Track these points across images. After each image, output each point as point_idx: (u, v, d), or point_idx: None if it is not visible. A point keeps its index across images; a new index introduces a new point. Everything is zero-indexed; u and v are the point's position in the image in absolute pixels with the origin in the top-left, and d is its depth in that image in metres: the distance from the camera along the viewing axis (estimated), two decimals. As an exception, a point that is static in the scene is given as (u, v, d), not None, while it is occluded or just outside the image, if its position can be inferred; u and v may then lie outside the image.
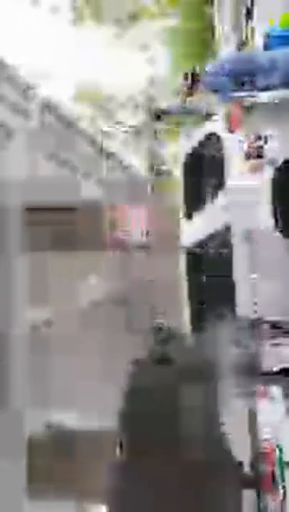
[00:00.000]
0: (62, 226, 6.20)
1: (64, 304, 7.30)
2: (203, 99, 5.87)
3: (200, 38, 17.12)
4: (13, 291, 6.09)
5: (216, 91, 4.15)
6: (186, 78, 4.14)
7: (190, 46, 18.46)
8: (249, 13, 8.20)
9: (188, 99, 6.07)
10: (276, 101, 4.07)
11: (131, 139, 26.32)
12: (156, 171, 6.68)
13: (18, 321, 6.10)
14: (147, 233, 5.90)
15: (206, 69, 4.09)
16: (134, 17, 23.11)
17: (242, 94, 4.06)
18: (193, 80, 4.11)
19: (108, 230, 6.05)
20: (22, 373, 6.03)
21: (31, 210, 6.28)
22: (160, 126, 6.89)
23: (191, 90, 4.18)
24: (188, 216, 4.69)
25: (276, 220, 4.02)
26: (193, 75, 4.10)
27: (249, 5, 8.22)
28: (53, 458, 5.98)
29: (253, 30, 7.56)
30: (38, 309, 6.36)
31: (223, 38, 9.16)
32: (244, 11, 8.31)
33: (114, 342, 9.46)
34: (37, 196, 6.45)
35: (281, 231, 4.02)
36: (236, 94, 3.97)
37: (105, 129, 26.10)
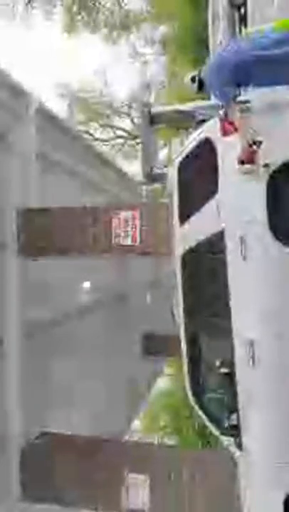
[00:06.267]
0: (58, 229, 6.18)
1: (62, 305, 7.28)
2: (199, 103, 5.89)
3: (195, 42, 17.17)
4: (10, 293, 6.07)
5: (215, 94, 4.16)
6: (193, 81, 4.13)
7: (185, 50, 18.51)
8: (243, 19, 8.24)
9: (184, 105, 6.07)
10: (269, 102, 4.09)
11: (126, 144, 26.36)
12: (152, 175, 6.68)
13: (15, 324, 6.08)
14: (142, 236, 5.90)
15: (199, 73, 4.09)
16: (127, 23, 23.19)
17: (238, 99, 4.07)
18: (200, 83, 4.10)
19: (104, 233, 6.05)
20: (18, 377, 6.01)
21: (28, 212, 6.27)
22: (155, 130, 6.89)
23: (200, 92, 4.17)
24: (183, 221, 4.70)
25: (271, 226, 4.04)
26: (200, 77, 4.09)
27: (243, 10, 8.25)
28: (48, 463, 5.96)
29: (247, 35, 7.59)
30: (36, 311, 6.35)
31: (217, 44, 9.19)
32: (238, 17, 8.34)
33: (113, 342, 9.45)
34: (34, 199, 6.44)
35: (276, 236, 4.04)
36: (232, 98, 3.97)
37: (101, 133, 26.14)
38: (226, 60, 3.85)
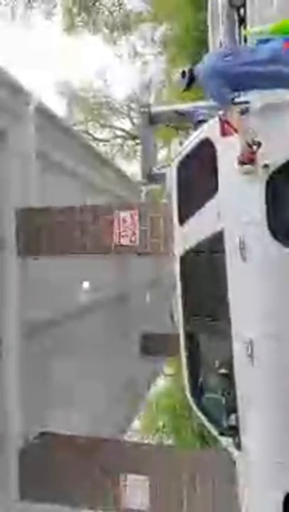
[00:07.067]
0: (58, 229, 6.18)
1: (62, 305, 7.28)
2: (198, 104, 5.89)
3: (195, 42, 17.17)
4: (9, 293, 6.06)
5: (212, 96, 4.15)
6: (183, 76, 4.10)
7: (185, 50, 18.51)
8: (242, 20, 8.24)
9: (184, 105, 6.06)
10: (269, 103, 4.09)
11: (125, 144, 26.37)
12: (151, 175, 6.68)
13: (14, 324, 6.07)
14: (141, 236, 5.90)
15: (195, 72, 4.07)
16: (127, 24, 23.18)
17: (237, 99, 4.08)
18: (191, 78, 4.07)
19: (103, 233, 6.05)
20: (18, 376, 6.00)
21: (27, 212, 6.26)
22: (154, 130, 6.90)
23: (188, 88, 4.14)
24: (182, 221, 4.70)
25: (270, 226, 4.04)
26: (191, 72, 4.06)
27: (242, 11, 8.25)
28: (48, 463, 5.96)
29: (245, 36, 7.60)
30: (35, 311, 6.34)
31: (217, 44, 9.20)
32: (237, 17, 8.34)
33: (112, 342, 9.45)
34: (33, 198, 6.44)
35: (275, 236, 4.04)
36: (232, 99, 3.97)
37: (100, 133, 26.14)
38: (222, 69, 3.87)
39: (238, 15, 8.05)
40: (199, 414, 4.71)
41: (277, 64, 3.78)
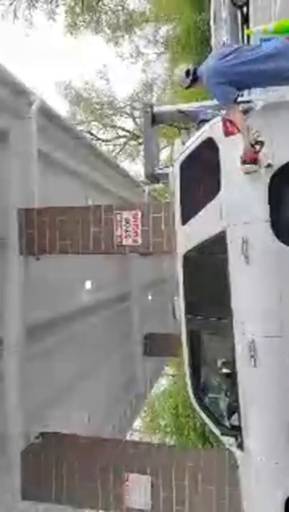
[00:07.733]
0: (60, 229, 6.18)
1: (63, 305, 7.28)
2: (201, 103, 5.89)
3: (197, 41, 17.17)
4: (11, 292, 6.06)
5: (215, 95, 4.14)
6: (187, 75, 4.10)
7: (187, 49, 18.51)
8: (245, 19, 8.24)
9: (186, 104, 6.05)
10: (272, 103, 4.08)
11: (128, 144, 26.36)
12: (154, 175, 6.68)
13: (15, 323, 6.07)
14: (143, 236, 5.89)
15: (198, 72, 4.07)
16: (130, 24, 23.18)
17: (240, 99, 4.07)
18: (195, 78, 4.07)
19: (106, 233, 6.04)
20: (18, 376, 6.00)
21: (30, 211, 6.26)
22: (157, 130, 6.89)
23: (191, 87, 4.14)
24: (185, 220, 4.69)
25: (273, 225, 4.03)
26: (195, 72, 4.06)
27: (245, 10, 8.25)
28: (49, 463, 5.96)
29: (248, 35, 7.60)
30: (37, 311, 6.34)
31: (220, 43, 9.19)
32: (240, 17, 8.34)
33: (114, 342, 9.45)
34: (36, 198, 6.43)
35: (278, 236, 4.03)
36: (235, 98, 3.97)
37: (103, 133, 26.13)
38: (224, 69, 3.87)
39: (241, 14, 8.04)
40: (201, 413, 4.71)
41: (277, 59, 3.77)
